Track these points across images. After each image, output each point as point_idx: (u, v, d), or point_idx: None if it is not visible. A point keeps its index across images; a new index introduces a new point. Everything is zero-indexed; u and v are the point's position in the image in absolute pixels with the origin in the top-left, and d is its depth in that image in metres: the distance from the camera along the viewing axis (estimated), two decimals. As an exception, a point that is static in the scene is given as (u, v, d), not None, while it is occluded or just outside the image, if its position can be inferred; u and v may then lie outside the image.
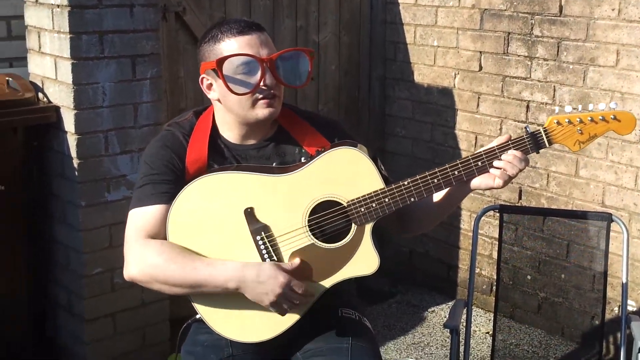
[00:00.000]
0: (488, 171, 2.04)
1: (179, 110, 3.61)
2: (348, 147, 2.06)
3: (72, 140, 3.13)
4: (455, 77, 4.13)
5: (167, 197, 2.05)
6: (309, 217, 2.04)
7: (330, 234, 2.06)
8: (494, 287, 3.72)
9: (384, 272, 4.20)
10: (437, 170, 2.05)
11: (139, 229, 2.05)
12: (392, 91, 4.46)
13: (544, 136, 2.03)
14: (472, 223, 3.56)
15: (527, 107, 3.82)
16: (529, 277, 3.74)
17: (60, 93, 3.16)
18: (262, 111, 2.07)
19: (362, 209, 2.04)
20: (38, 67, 3.29)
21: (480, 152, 2.05)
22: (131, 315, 3.38)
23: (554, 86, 3.71)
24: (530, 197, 3.87)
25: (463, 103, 4.11)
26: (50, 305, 3.48)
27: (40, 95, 3.28)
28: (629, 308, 2.87)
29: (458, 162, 2.04)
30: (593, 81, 3.56)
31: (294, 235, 2.04)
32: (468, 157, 2.04)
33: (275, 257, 2.03)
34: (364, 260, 2.05)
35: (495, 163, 2.03)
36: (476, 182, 2.06)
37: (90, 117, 3.14)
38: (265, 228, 2.03)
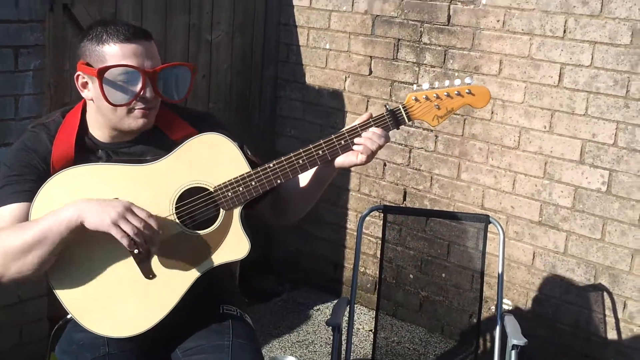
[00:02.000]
0: (351, 149, 2.07)
1: (62, 104, 3.51)
2: (212, 133, 2.06)
3: (-53, 131, 3.01)
4: (345, 80, 4.19)
5: (26, 194, 2.00)
6: (176, 204, 2.03)
7: (199, 221, 2.05)
8: (377, 286, 3.80)
9: (270, 271, 4.26)
10: (301, 151, 2.07)
11: None
12: (283, 92, 4.48)
13: (403, 113, 2.09)
14: (358, 222, 3.62)
15: (414, 111, 3.92)
16: (411, 276, 3.84)
17: (-64, 82, 3.04)
18: (135, 121, 2.05)
19: (229, 194, 2.04)
20: None
21: (343, 131, 2.09)
22: (7, 313, 3.26)
23: (440, 92, 3.81)
24: (414, 198, 3.97)
25: (352, 106, 4.17)
26: None
27: None
28: (505, 307, 2.99)
29: (322, 141, 2.07)
30: (476, 88, 3.69)
31: (161, 224, 1.99)
32: (331, 136, 2.08)
33: (139, 249, 1.98)
34: (235, 245, 2.05)
35: (357, 140, 2.07)
36: (340, 159, 2.09)
37: (-32, 108, 3.03)
38: None
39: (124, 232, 1.90)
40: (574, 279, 3.49)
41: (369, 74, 4.08)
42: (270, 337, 3.77)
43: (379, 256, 4.02)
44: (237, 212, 2.05)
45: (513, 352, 2.69)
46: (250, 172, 2.05)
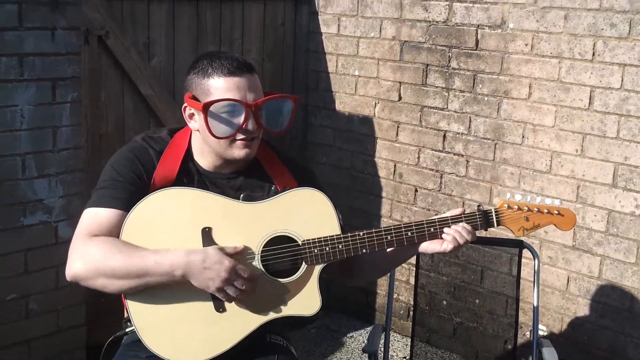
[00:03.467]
0: (438, 237, 2.15)
1: (99, 135, 3.58)
2: (315, 190, 2.13)
3: (-13, 164, 3.07)
4: (375, 107, 4.22)
5: (124, 203, 2.05)
6: (263, 248, 2.08)
7: (280, 268, 2.09)
8: (411, 312, 3.79)
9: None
10: (392, 227, 2.14)
11: (87, 228, 2.04)
12: (314, 119, 4.52)
13: (494, 216, 2.18)
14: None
15: (444, 136, 3.93)
16: (444, 302, 3.83)
17: (-23, 115, 3.10)
18: (239, 152, 2.10)
19: (316, 250, 2.09)
20: (-47, 89, 3.22)
21: (434, 219, 2.16)
22: (47, 342, 3.30)
23: (470, 117, 3.83)
24: (447, 224, 3.96)
25: (383, 132, 4.20)
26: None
27: (-44, 117, 3.21)
28: (540, 332, 2.97)
29: (412, 224, 2.15)
30: (507, 113, 3.70)
31: (245, 262, 2.05)
32: (422, 221, 2.15)
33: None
34: (306, 301, 2.10)
35: (446, 230, 2.14)
36: (425, 245, 2.18)
37: (8, 140, 3.09)
38: None
39: (229, 296, 2.01)
40: (609, 304, 3.46)
41: (399, 100, 4.11)
42: (304, 365, 3.77)
43: (411, 282, 4.05)
44: (317, 269, 2.11)
45: (552, 379, 2.68)
46: (340, 235, 2.11)
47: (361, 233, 2.12)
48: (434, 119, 3.96)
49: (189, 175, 2.15)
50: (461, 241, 2.14)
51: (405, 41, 4.03)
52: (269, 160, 2.24)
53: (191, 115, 2.14)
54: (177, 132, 2.22)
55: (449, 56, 3.87)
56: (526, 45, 3.59)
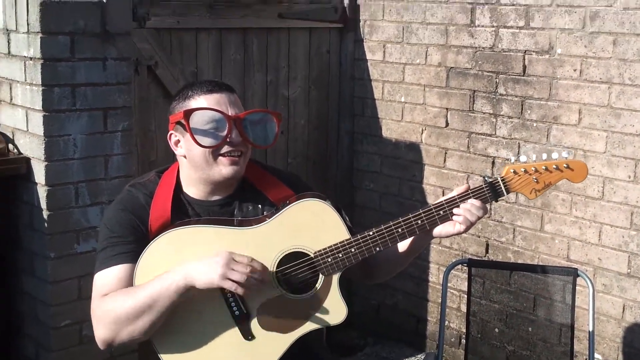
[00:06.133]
0: (449, 219, 2.10)
1: (149, 163, 3.61)
2: (313, 199, 2.10)
3: (42, 192, 3.11)
4: (422, 133, 4.20)
5: (129, 256, 2.05)
6: (276, 268, 2.06)
7: (298, 284, 2.08)
8: (463, 340, 3.74)
9: (352, 324, 4.26)
10: (401, 220, 2.09)
11: (100, 292, 2.05)
12: (360, 145, 4.51)
13: (501, 185, 2.11)
14: (441, 276, 3.60)
15: (493, 162, 3.90)
16: (497, 330, 3.76)
17: (31, 144, 3.15)
18: (226, 169, 2.10)
19: (329, 259, 2.07)
20: (9, 119, 3.28)
21: (442, 201, 2.11)
22: (100, 370, 3.33)
23: (519, 143, 3.79)
24: (497, 250, 3.92)
25: (430, 158, 4.17)
26: (17, 358, 3.39)
27: (11, 146, 3.26)
28: (596, 362, 2.92)
29: (421, 211, 2.09)
30: (556, 139, 3.65)
31: (262, 287, 2.04)
32: (430, 206, 2.10)
33: (245, 310, 2.03)
34: (332, 310, 2.07)
35: (455, 210, 2.09)
36: (438, 229, 2.12)
37: (61, 169, 3.13)
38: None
39: (235, 282, 1.95)
40: (666, 333, 3.38)
41: (446, 126, 4.08)
42: (354, 392, 3.74)
43: (462, 310, 4.00)
44: (335, 277, 2.08)
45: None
46: (350, 239, 2.08)
47: (371, 232, 2.08)
48: (482, 145, 3.93)
49: (182, 208, 2.14)
50: (473, 219, 2.08)
51: (451, 67, 4.02)
52: (257, 176, 2.22)
53: (177, 142, 2.15)
54: (165, 171, 2.22)
55: (496, 82, 3.85)
56: (575, 70, 3.55)
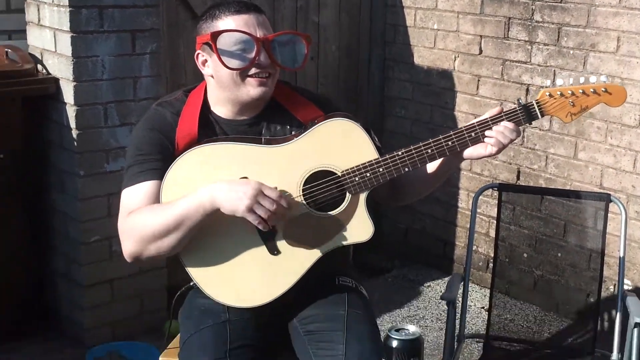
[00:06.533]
0: (481, 141, 2.05)
1: (178, 86, 3.60)
2: (342, 119, 2.07)
3: (71, 112, 3.14)
4: (455, 60, 4.13)
5: (156, 173, 2.04)
6: (303, 186, 2.05)
7: (325, 203, 2.06)
8: (490, 264, 3.73)
9: (380, 247, 4.27)
10: (431, 141, 2.05)
11: (127, 208, 2.05)
12: (391, 72, 4.45)
13: (536, 108, 2.06)
14: (470, 202, 3.57)
15: (527, 90, 3.82)
16: (525, 255, 3.75)
17: (59, 65, 3.17)
18: (254, 89, 2.07)
19: (357, 179, 2.04)
20: (37, 40, 3.29)
21: (474, 123, 2.06)
22: (129, 283, 3.40)
23: (554, 70, 3.70)
24: (529, 178, 3.88)
25: (463, 85, 4.11)
26: (49, 272, 3.49)
27: (40, 67, 3.28)
28: (625, 287, 2.87)
29: (452, 132, 2.05)
30: (593, 67, 3.56)
31: (290, 203, 2.02)
32: (461, 128, 2.06)
33: (271, 226, 2.02)
34: (359, 228, 2.06)
35: (488, 133, 2.04)
36: (469, 151, 2.07)
37: (90, 90, 3.15)
38: None
39: (259, 216, 1.94)
40: (700, 261, 3.33)
41: (479, 54, 4.00)
42: (380, 312, 3.76)
43: (490, 235, 3.98)
44: (363, 196, 2.06)
45: (635, 330, 2.58)
46: (378, 158, 2.05)
47: (400, 152, 2.04)
48: (516, 72, 3.85)
49: (210, 127, 2.12)
50: (505, 141, 2.03)
51: (486, -7, 3.92)
52: (286, 97, 2.18)
53: (204, 62, 2.11)
54: (192, 90, 2.19)
55: (532, 9, 3.75)
56: (614, -4, 3.44)
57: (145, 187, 2.04)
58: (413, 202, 2.36)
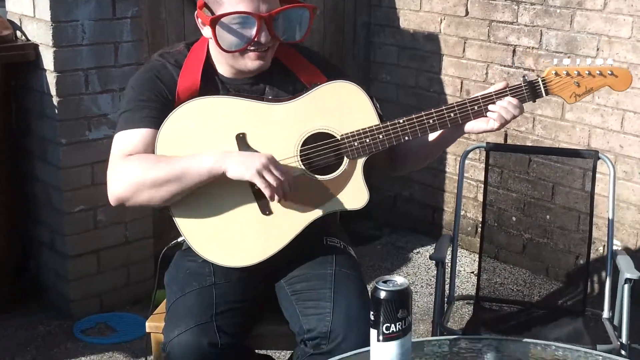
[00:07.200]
0: (483, 115, 2.04)
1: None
2: (346, 82, 2.05)
3: (51, 79, 3.08)
4: (441, 23, 4.08)
5: (154, 121, 2.01)
6: (301, 147, 2.02)
7: (322, 165, 2.04)
8: (479, 229, 3.71)
9: (368, 215, 4.25)
10: (433, 111, 2.04)
11: (122, 150, 2.01)
12: (377, 37, 4.40)
13: (541, 86, 2.05)
14: (457, 165, 3.55)
15: (514, 51, 3.79)
16: (514, 218, 3.74)
17: (38, 31, 3.10)
18: (251, 63, 2.04)
19: (356, 144, 2.02)
20: (15, 5, 3.22)
21: (477, 96, 2.06)
22: (115, 253, 3.36)
23: (541, 30, 3.67)
24: (516, 140, 3.85)
25: (449, 48, 4.06)
26: (32, 243, 3.45)
27: (19, 33, 3.22)
28: (614, 247, 2.86)
29: (454, 104, 2.04)
30: (580, 25, 3.53)
31: (284, 164, 2.00)
32: (465, 100, 2.05)
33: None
34: (354, 195, 2.04)
35: (491, 107, 2.03)
36: (470, 124, 2.06)
37: (70, 55, 3.09)
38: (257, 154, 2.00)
39: (268, 182, 1.92)
40: (688, 220, 3.32)
41: (465, 15, 3.96)
42: (369, 279, 3.67)
43: (478, 199, 3.96)
44: (360, 162, 2.04)
45: (626, 286, 2.57)
46: (379, 125, 2.03)
47: (401, 120, 2.03)
48: (503, 33, 3.81)
49: (212, 83, 2.09)
50: (508, 117, 2.02)
51: (472, -47, 3.87)
52: (290, 58, 2.15)
53: (203, 25, 2.07)
54: (195, 43, 2.15)
55: (519, -34, 3.70)
56: (601, -48, 3.40)
57: (142, 133, 2.01)
58: (408, 172, 2.34)
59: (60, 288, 3.34)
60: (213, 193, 2.00)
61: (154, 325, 2.20)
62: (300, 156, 2.02)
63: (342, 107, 2.03)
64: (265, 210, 2.01)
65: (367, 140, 2.02)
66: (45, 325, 3.28)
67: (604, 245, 3.50)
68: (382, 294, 1.52)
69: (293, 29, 2.07)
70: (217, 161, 1.94)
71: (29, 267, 3.49)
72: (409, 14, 4.21)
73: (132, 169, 1.97)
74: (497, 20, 3.83)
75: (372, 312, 1.54)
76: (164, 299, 2.25)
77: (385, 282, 1.56)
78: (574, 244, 3.39)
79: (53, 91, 3.07)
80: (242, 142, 2.00)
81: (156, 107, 2.03)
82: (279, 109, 2.02)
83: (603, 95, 3.49)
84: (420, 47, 4.19)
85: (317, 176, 2.03)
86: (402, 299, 1.53)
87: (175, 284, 2.12)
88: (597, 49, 3.48)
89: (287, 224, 2.03)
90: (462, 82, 4.02)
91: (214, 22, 1.98)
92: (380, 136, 2.02)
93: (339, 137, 2.02)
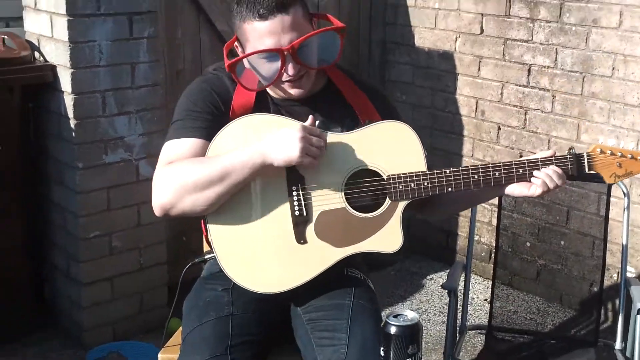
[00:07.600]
0: (527, 180, 2.06)
1: (176, 72, 3.56)
2: (401, 123, 2.06)
3: (69, 101, 3.09)
4: (456, 41, 4.08)
5: (206, 132, 2.02)
6: (347, 181, 2.03)
7: (363, 203, 2.05)
8: (493, 254, 3.71)
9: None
10: (479, 166, 2.05)
11: (168, 159, 2.01)
12: (392, 56, 4.40)
13: (585, 161, 2.08)
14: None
15: (529, 70, 3.78)
16: (528, 244, 3.73)
17: (56, 51, 3.11)
18: (291, 90, 2.07)
19: (401, 186, 2.03)
20: (34, 25, 3.24)
21: (524, 160, 2.08)
22: (129, 280, 3.36)
23: (556, 49, 3.66)
24: (531, 162, 3.84)
25: (464, 67, 4.06)
26: (48, 268, 3.45)
27: (37, 54, 3.23)
28: (628, 275, 2.85)
29: (501, 164, 2.06)
30: (595, 43, 3.52)
31: (328, 195, 2.02)
32: (511, 162, 2.07)
33: (305, 212, 2.01)
34: (388, 237, 2.04)
35: (536, 173, 2.05)
36: (512, 187, 2.08)
37: (88, 77, 3.09)
38: (302, 180, 2.01)
39: (312, 157, 1.94)
40: (703, 246, 3.31)
41: (480, 33, 3.95)
42: (383, 306, 3.72)
43: (493, 224, 3.95)
44: (401, 206, 2.04)
45: (638, 317, 2.57)
46: (426, 172, 2.04)
47: (447, 171, 2.04)
48: (518, 52, 3.81)
49: (265, 103, 2.11)
50: (551, 185, 2.04)
51: (487, -29, 3.86)
52: (347, 88, 2.15)
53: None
54: None
55: (534, -16, 3.70)
56: (616, -29, 3.39)
57: (190, 143, 2.02)
58: (440, 218, 2.35)
59: (74, 315, 3.33)
60: (253, 208, 2.01)
61: (167, 357, 2.21)
62: (345, 190, 2.03)
63: (392, 147, 2.04)
64: (301, 239, 2.02)
65: (412, 185, 2.03)
66: (57, 353, 3.27)
67: (618, 272, 3.49)
68: (393, 329, 1.54)
69: (324, 54, 2.06)
70: (258, 154, 1.94)
71: (44, 292, 3.49)
72: (424, 31, 4.21)
73: (176, 173, 1.97)
74: (512, 38, 3.83)
75: (382, 348, 1.55)
76: (177, 328, 2.26)
77: (396, 316, 1.57)
78: (588, 271, 3.37)
79: (70, 113, 3.08)
80: (290, 168, 2.00)
81: (208, 119, 2.04)
82: (333, 138, 2.02)
83: (618, 116, 3.48)
84: (435, 66, 4.19)
85: (356, 213, 2.03)
86: (412, 333, 1.55)
87: (194, 312, 2.11)
88: (613, 68, 3.47)
89: (319, 256, 2.03)
90: (477, 102, 4.02)
91: (232, 67, 2.02)
92: (425, 183, 2.03)
93: (385, 177, 2.03)
